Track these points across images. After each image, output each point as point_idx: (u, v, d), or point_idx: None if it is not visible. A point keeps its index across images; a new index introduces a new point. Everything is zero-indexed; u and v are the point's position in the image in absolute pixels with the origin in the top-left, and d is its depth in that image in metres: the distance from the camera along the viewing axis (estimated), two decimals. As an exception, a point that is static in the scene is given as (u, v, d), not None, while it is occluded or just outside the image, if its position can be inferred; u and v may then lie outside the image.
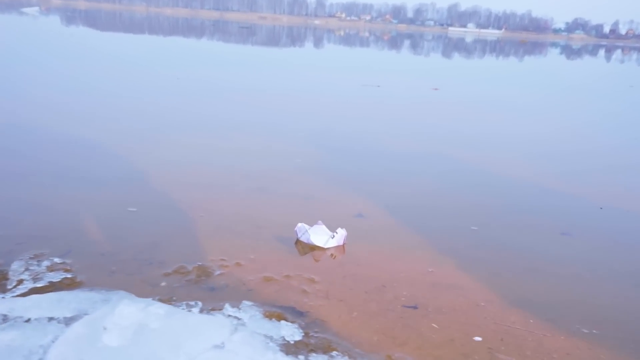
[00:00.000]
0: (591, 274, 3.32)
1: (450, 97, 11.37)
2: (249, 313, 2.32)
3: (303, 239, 3.43)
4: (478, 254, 3.48)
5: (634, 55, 39.32)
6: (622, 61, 35.49)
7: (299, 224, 3.48)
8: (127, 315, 1.95)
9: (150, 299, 2.31)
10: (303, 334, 2.32)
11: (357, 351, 2.31)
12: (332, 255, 3.34)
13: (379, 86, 11.84)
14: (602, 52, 41.14)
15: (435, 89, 12.03)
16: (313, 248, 3.38)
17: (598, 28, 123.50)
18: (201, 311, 2.30)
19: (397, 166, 5.54)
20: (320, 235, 3.42)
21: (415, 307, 2.81)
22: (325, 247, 3.40)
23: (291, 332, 2.24)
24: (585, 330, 2.65)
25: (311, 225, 3.48)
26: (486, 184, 5.12)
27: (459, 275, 3.19)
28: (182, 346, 1.87)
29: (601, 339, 2.58)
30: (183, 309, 2.26)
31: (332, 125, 7.52)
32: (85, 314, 2.01)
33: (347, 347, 2.32)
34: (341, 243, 3.47)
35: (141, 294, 2.51)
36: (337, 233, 3.44)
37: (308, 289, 2.85)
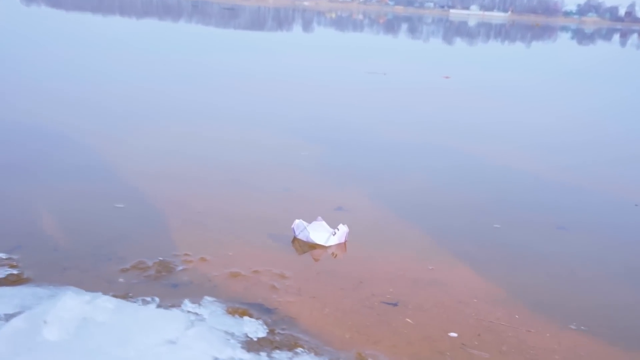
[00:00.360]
0: (585, 270, 3.40)
1: (462, 86, 11.42)
2: (210, 309, 2.37)
3: (301, 236, 3.43)
4: (465, 250, 3.54)
5: (651, 40, 39.69)
6: (638, 47, 35.83)
7: (297, 221, 3.46)
8: (71, 308, 1.98)
9: (100, 293, 2.34)
10: (268, 331, 2.37)
11: (326, 348, 2.36)
12: (333, 254, 3.36)
13: (385, 74, 11.84)
14: (616, 36, 41.47)
15: (446, 77, 12.05)
16: (313, 247, 3.39)
17: (612, 10, 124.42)
18: (158, 307, 2.33)
19: (387, 158, 5.59)
20: (320, 233, 3.41)
21: (395, 305, 2.86)
22: (327, 245, 3.40)
23: (255, 328, 2.28)
24: (573, 327, 2.72)
25: (309, 221, 3.46)
26: (481, 178, 5.19)
27: (443, 271, 3.24)
28: (131, 341, 1.91)
29: (588, 335, 2.65)
30: (138, 304, 2.29)
31: (328, 115, 7.56)
32: (29, 310, 2.04)
33: (315, 345, 2.37)
34: (343, 240, 3.47)
35: (95, 290, 2.54)
36: (338, 230, 3.43)
37: (278, 286, 2.90)
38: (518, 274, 3.29)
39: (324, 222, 3.47)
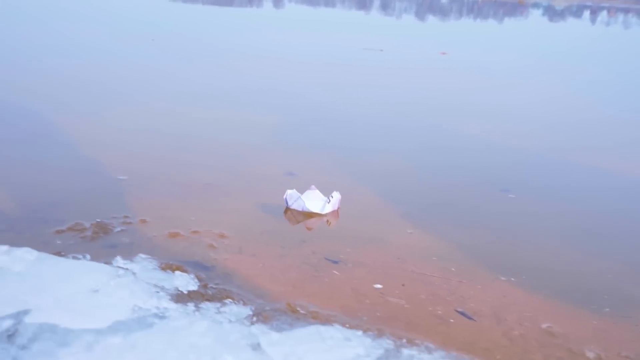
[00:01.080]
0: (522, 229, 3.50)
1: (459, 63, 11.31)
2: (142, 265, 2.39)
3: (295, 206, 3.42)
4: (409, 210, 3.61)
5: (620, 18, 40.26)
6: (607, 24, 36.34)
7: (289, 191, 3.44)
8: (-14, 258, 1.97)
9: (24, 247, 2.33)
10: (200, 285, 2.40)
11: (258, 301, 2.40)
12: (327, 221, 3.38)
13: (381, 50, 11.68)
14: (586, 13, 41.95)
15: (443, 54, 11.96)
16: (309, 215, 3.39)
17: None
18: (83, 261, 2.34)
19: (347, 129, 5.63)
20: (315, 201, 3.41)
21: (336, 262, 2.92)
22: (323, 213, 3.40)
23: (186, 282, 2.31)
24: (504, 278, 2.82)
25: (302, 191, 3.45)
26: (437, 146, 5.26)
27: (386, 230, 3.31)
28: (50, 289, 1.92)
29: (516, 285, 2.74)
30: (60, 257, 2.30)
31: (290, 90, 7.54)
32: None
33: (247, 297, 2.41)
34: (336, 207, 3.48)
35: (27, 250, 2.53)
36: (332, 197, 3.44)
37: (218, 245, 2.93)
38: (459, 233, 3.37)
39: (317, 191, 3.47)
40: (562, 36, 24.25)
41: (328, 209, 3.43)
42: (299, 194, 3.43)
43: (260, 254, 2.92)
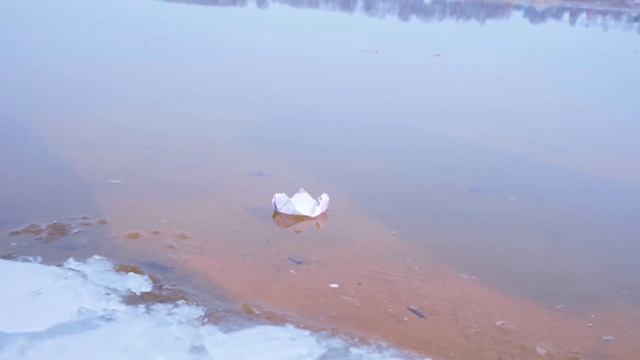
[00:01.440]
0: (489, 227, 3.50)
1: (450, 65, 11.26)
2: (95, 266, 2.33)
3: (285, 210, 3.38)
4: (376, 210, 3.59)
5: (599, 20, 40.79)
6: (587, 25, 36.78)
7: (278, 195, 3.39)
8: None
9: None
10: (155, 286, 2.35)
11: (214, 302, 2.36)
12: (317, 224, 3.34)
13: (376, 52, 11.59)
14: (566, 15, 42.46)
15: (438, 55, 11.91)
16: (299, 218, 3.35)
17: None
18: (30, 263, 2.28)
19: (321, 128, 5.61)
20: (305, 204, 3.38)
21: (299, 262, 2.88)
22: (313, 215, 3.37)
23: (139, 283, 2.26)
24: (465, 276, 2.81)
25: (290, 195, 3.42)
26: (411, 147, 5.26)
27: (353, 230, 3.29)
28: (-13, 292, 1.86)
29: (477, 283, 2.74)
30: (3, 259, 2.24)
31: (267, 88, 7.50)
32: None
33: (203, 298, 2.36)
34: (325, 210, 3.46)
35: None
36: (321, 199, 3.41)
37: (179, 246, 2.88)
38: (426, 232, 3.36)
39: (306, 193, 3.44)
40: (548, 38, 24.49)
41: (318, 211, 3.41)
42: (288, 198, 3.40)
43: (222, 254, 2.87)
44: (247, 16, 22.59)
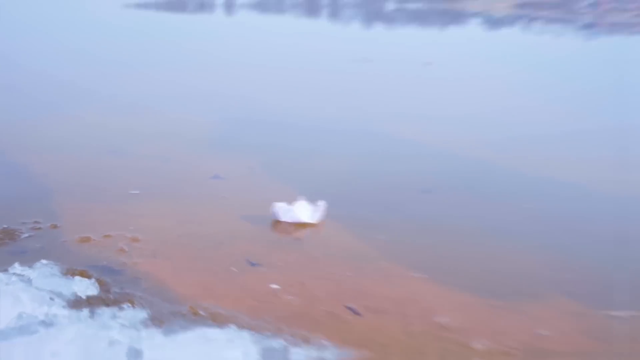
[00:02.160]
0: (441, 227, 3.53)
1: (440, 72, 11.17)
2: (41, 271, 2.28)
3: (286, 218, 3.38)
4: (333, 212, 3.58)
5: (553, 27, 42.12)
6: (541, 33, 37.71)
7: (277, 204, 3.40)
8: None
9: None
10: (101, 290, 2.31)
11: (162, 304, 2.33)
12: (317, 229, 3.33)
13: (371, 61, 11.39)
14: (522, 22, 43.67)
15: (428, 63, 11.77)
16: (301, 226, 3.32)
17: None
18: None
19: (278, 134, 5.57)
20: (305, 211, 3.39)
21: (253, 264, 2.87)
22: (314, 222, 3.37)
23: (85, 287, 2.22)
24: (416, 275, 2.82)
25: (290, 203, 3.40)
26: (370, 151, 5.22)
27: (305, 232, 3.29)
28: None
29: (427, 282, 2.75)
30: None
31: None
32: None
33: (150, 301, 2.33)
34: (323, 215, 3.44)
35: None
36: (319, 206, 3.42)
37: (130, 249, 2.83)
38: (379, 232, 3.37)
39: (304, 201, 3.45)
40: (506, 44, 24.92)
41: (317, 217, 3.42)
42: (289, 207, 3.41)
43: (175, 257, 2.84)
44: (217, 23, 22.37)
